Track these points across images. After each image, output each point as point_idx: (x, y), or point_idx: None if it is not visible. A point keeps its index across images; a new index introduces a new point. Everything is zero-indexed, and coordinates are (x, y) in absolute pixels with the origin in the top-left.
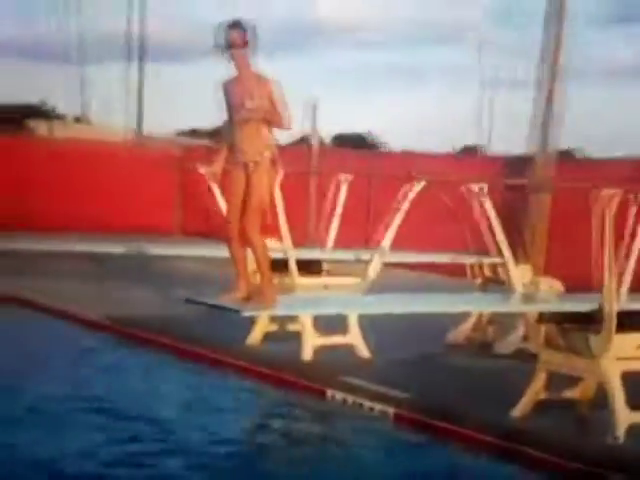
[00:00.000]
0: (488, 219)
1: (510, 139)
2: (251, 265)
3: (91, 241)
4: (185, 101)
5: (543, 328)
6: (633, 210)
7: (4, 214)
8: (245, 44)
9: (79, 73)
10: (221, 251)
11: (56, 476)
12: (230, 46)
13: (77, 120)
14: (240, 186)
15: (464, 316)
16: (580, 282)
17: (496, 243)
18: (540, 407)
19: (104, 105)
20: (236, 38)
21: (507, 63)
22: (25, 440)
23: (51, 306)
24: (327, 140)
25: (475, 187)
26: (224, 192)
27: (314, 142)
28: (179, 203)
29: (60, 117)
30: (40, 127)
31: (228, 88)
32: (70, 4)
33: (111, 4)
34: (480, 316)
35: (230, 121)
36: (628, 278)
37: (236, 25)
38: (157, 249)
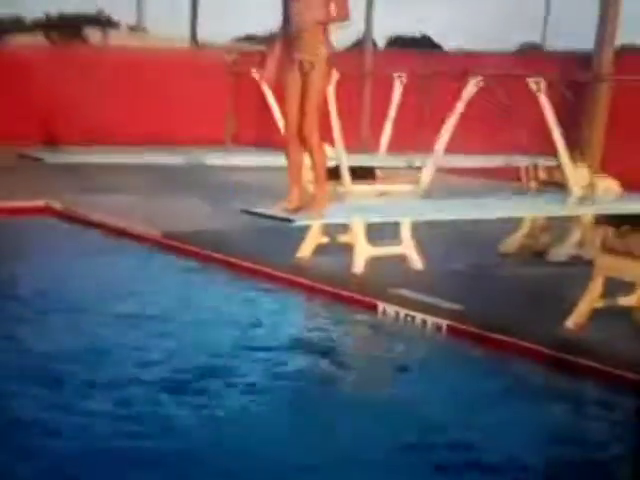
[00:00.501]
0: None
1: (572, 36)
2: (306, 174)
3: (145, 152)
4: (241, 7)
5: (600, 231)
6: None
7: (60, 125)
8: None
9: None
10: (273, 159)
11: None
12: None
13: (132, 29)
14: (297, 87)
15: (517, 223)
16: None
17: (552, 143)
18: (596, 315)
19: (160, 14)
20: None
21: None
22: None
23: (105, 222)
24: (382, 42)
25: (532, 82)
26: (280, 94)
27: (368, 43)
28: (232, 112)
29: (115, 26)
30: (94, 35)
31: None
32: None
33: None
34: (534, 222)
35: (285, 19)
36: None
37: None
38: (213, 159)
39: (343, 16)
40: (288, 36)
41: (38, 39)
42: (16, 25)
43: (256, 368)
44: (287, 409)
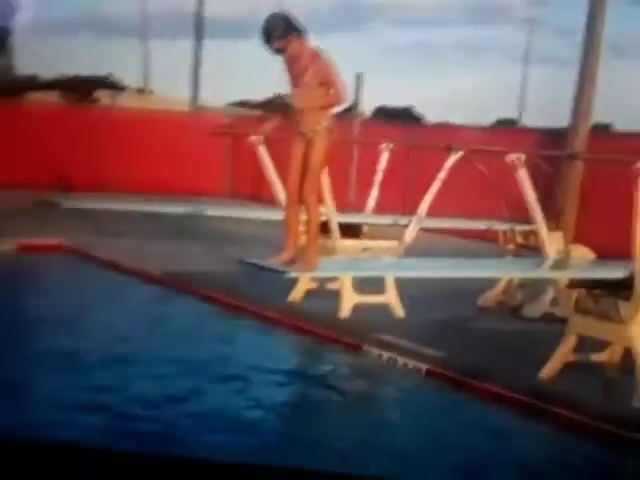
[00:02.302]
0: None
1: (549, 113)
2: (300, 227)
3: (149, 202)
4: (237, 75)
5: (573, 293)
6: None
7: (72, 174)
8: (286, 40)
9: (142, 48)
10: (268, 214)
11: None
12: (278, 53)
13: (139, 91)
14: (300, 153)
15: (495, 280)
16: (608, 249)
17: (529, 211)
18: (568, 369)
19: (165, 78)
20: (276, 46)
21: (550, 41)
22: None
23: (112, 260)
24: (369, 112)
25: (512, 157)
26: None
27: (358, 114)
28: (229, 168)
29: (123, 88)
30: (105, 97)
31: (287, 65)
32: None
33: None
34: (510, 280)
35: (290, 94)
36: None
37: (267, 38)
38: (212, 210)
39: (341, 101)
40: (292, 108)
41: (53, 97)
42: (33, 84)
43: (238, 398)
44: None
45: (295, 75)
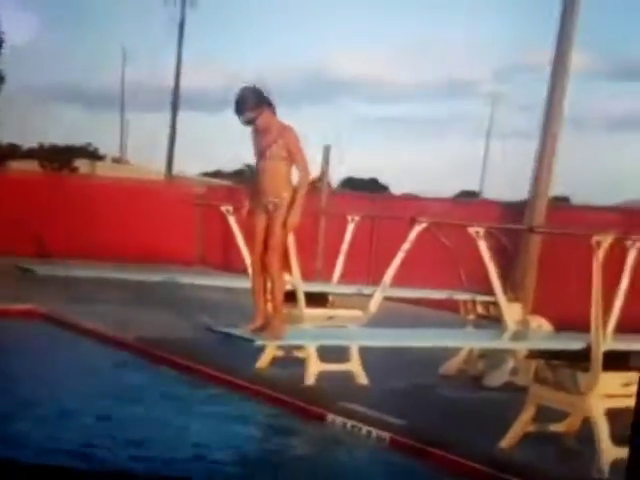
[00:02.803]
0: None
1: (510, 185)
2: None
3: (126, 269)
4: (210, 147)
5: (533, 364)
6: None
7: (49, 243)
8: (257, 112)
9: (120, 119)
10: (236, 282)
11: None
12: (247, 124)
13: (115, 161)
14: (262, 225)
15: (457, 349)
16: (566, 321)
17: (489, 282)
18: (528, 439)
19: (141, 148)
20: (247, 117)
21: (512, 116)
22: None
23: (83, 325)
24: (337, 183)
25: (472, 230)
26: (248, 231)
27: (324, 184)
28: (200, 237)
29: (101, 157)
30: (83, 166)
31: (255, 137)
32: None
33: (151, 60)
34: (471, 350)
35: (255, 166)
36: (614, 319)
37: (240, 107)
38: (184, 278)
39: (309, 180)
40: (256, 180)
41: (31, 166)
42: (12, 152)
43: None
44: None
45: (262, 147)
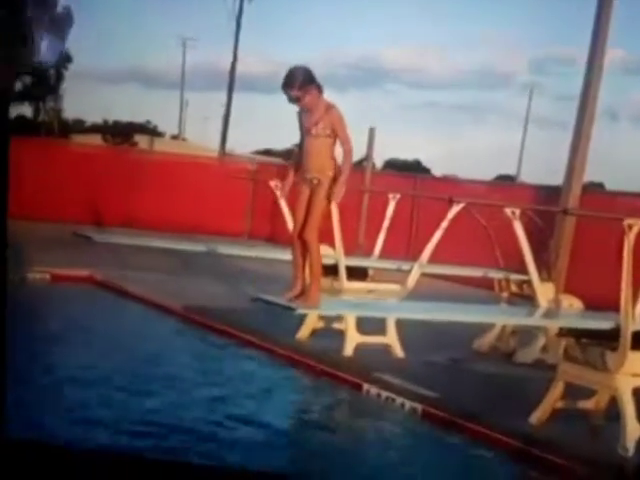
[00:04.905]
0: (518, 239)
1: (545, 172)
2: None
3: (177, 240)
4: (262, 126)
5: (563, 342)
6: None
7: (106, 212)
8: (304, 90)
9: (179, 99)
10: (282, 254)
11: None
12: (293, 101)
13: (174, 137)
14: (305, 199)
15: (490, 325)
16: (597, 301)
17: (524, 261)
18: (556, 415)
19: (198, 126)
20: (294, 95)
21: (548, 106)
22: None
23: (136, 293)
24: (381, 164)
25: (509, 211)
26: (292, 204)
27: (369, 165)
28: (250, 211)
29: (160, 134)
30: (143, 142)
31: (301, 115)
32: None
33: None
34: (504, 327)
35: (301, 143)
36: None
37: (288, 84)
38: (231, 250)
39: (348, 159)
40: (302, 156)
41: (95, 140)
42: (78, 126)
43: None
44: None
45: (307, 125)
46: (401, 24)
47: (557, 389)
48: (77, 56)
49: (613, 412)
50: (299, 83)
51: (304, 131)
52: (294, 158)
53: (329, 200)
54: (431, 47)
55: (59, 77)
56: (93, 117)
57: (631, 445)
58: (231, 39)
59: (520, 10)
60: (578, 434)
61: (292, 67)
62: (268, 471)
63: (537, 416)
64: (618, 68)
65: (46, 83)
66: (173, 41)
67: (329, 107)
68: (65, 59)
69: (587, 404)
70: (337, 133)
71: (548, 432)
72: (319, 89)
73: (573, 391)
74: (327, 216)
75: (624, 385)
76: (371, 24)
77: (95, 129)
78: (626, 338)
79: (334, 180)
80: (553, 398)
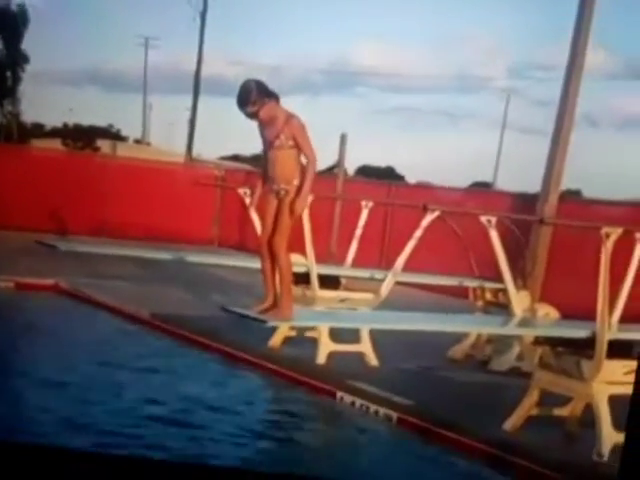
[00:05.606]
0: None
1: (522, 178)
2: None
3: (144, 248)
4: (229, 132)
5: (538, 350)
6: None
7: (70, 219)
8: (259, 105)
9: (142, 102)
10: (250, 262)
11: None
12: (250, 117)
13: (137, 142)
14: (272, 209)
15: (465, 334)
16: (572, 309)
17: (499, 270)
18: (531, 421)
19: (162, 131)
20: (250, 111)
21: (526, 112)
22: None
23: (101, 300)
24: (353, 170)
25: (484, 219)
26: (260, 214)
27: (340, 172)
28: (217, 218)
29: (123, 139)
30: (105, 146)
31: (262, 128)
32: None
33: (178, 46)
34: (479, 335)
35: (265, 155)
36: (619, 309)
37: (242, 101)
38: (200, 258)
39: (311, 169)
40: (266, 168)
41: (56, 144)
42: (37, 131)
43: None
44: None
45: (269, 138)
46: (375, 25)
47: (532, 396)
48: (34, 56)
49: (588, 419)
50: (253, 98)
51: (267, 144)
52: (262, 167)
53: (292, 212)
54: (405, 50)
55: (16, 79)
56: (53, 121)
57: (606, 451)
58: (196, 38)
59: (498, 14)
60: (552, 440)
61: (242, 83)
62: (268, 471)
63: (511, 423)
64: (598, 74)
65: (2, 85)
66: (135, 40)
67: (289, 117)
68: (22, 59)
69: (562, 411)
70: (299, 145)
71: (522, 439)
72: (276, 99)
73: (548, 398)
74: (296, 225)
75: (600, 393)
76: (343, 26)
77: (55, 133)
78: (602, 346)
79: (299, 189)
80: (528, 405)
